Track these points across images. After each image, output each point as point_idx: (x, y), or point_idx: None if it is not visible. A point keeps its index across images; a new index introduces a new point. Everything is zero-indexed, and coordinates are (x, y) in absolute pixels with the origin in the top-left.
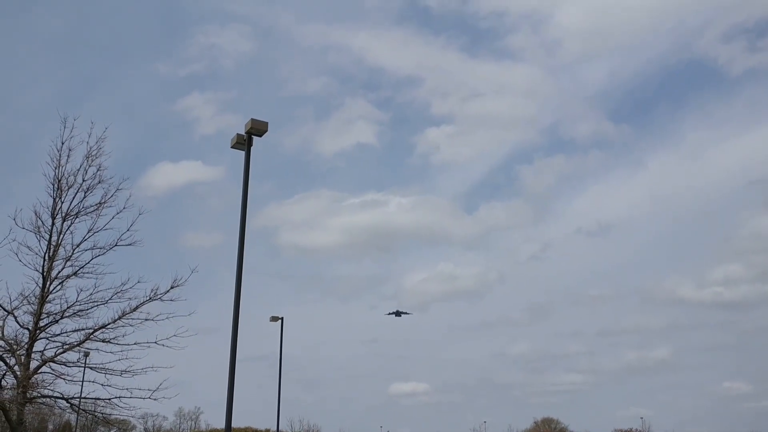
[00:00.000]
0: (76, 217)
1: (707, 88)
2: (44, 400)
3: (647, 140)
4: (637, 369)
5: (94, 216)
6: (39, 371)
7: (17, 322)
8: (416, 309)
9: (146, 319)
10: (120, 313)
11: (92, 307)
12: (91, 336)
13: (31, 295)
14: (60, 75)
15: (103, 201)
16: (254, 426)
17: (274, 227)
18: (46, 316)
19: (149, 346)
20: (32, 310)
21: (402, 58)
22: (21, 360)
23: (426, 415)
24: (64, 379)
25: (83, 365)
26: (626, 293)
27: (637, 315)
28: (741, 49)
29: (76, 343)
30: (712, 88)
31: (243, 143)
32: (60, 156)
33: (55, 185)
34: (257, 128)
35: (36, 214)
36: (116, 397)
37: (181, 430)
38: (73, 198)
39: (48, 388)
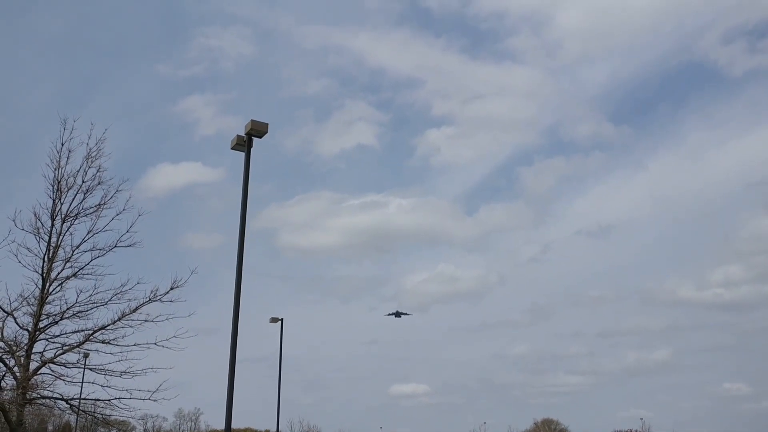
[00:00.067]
0: (76, 218)
1: (707, 90)
2: (44, 401)
3: (647, 141)
4: (637, 370)
5: (94, 217)
6: (39, 372)
7: (17, 324)
8: (416, 310)
9: (146, 320)
10: (120, 314)
11: (92, 309)
12: (91, 337)
13: (30, 296)
14: (60, 76)
15: (102, 202)
16: (254, 427)
17: (274, 228)
18: (45, 317)
19: (149, 347)
20: (32, 312)
21: (402, 60)
22: (21, 361)
23: (426, 416)
24: (63, 380)
25: (83, 366)
26: (626, 294)
27: (637, 316)
28: (741, 50)
29: (75, 345)
30: (712, 89)
31: (243, 144)
32: (60, 157)
33: (55, 186)
34: (257, 129)
35: (35, 215)
36: (116, 398)
37: (180, 430)
38: (73, 199)
39: (48, 389)
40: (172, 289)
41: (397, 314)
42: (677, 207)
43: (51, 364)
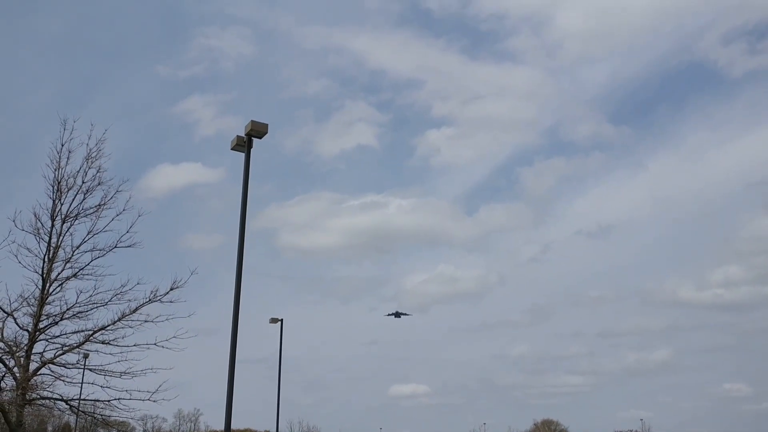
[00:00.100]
0: (76, 218)
1: (707, 90)
2: (44, 401)
3: (647, 142)
4: (637, 370)
5: (94, 218)
6: (38, 373)
7: (17, 324)
8: (416, 310)
9: (146, 321)
10: (120, 314)
11: (92, 309)
12: (91, 338)
13: (30, 296)
14: (60, 76)
15: (102, 203)
16: (254, 428)
17: (274, 229)
18: (45, 317)
19: (149, 348)
20: (32, 312)
21: (402, 61)
22: (20, 362)
23: (426, 416)
24: (63, 380)
25: (83, 367)
26: (626, 295)
27: (637, 316)
28: (741, 51)
29: (75, 345)
30: (712, 90)
31: (243, 145)
32: (60, 158)
33: (55, 187)
34: (257, 130)
35: (35, 215)
36: (116, 399)
37: (180, 431)
38: (73, 200)
39: (47, 389)
40: (172, 289)
41: (397, 314)
42: (677, 207)
43: (51, 365)
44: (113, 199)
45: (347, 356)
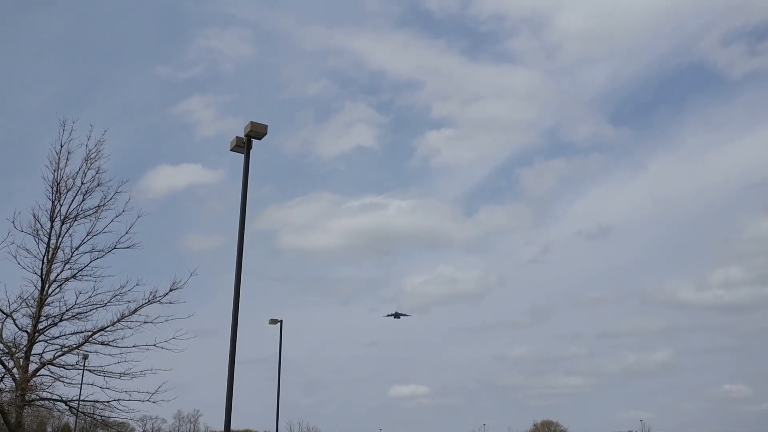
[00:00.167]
0: (75, 219)
1: (707, 92)
2: (43, 402)
3: (647, 143)
4: (637, 371)
5: (93, 219)
6: (38, 374)
7: (16, 325)
8: (416, 312)
9: (145, 322)
10: (119, 315)
11: (91, 310)
12: (90, 339)
13: (29, 297)
14: (60, 77)
15: (102, 204)
16: (253, 428)
17: (274, 230)
18: (44, 318)
19: (148, 349)
20: (31, 313)
21: (402, 62)
22: (20, 362)
23: (426, 417)
24: (62, 381)
25: (82, 368)
26: (626, 295)
27: (637, 317)
28: (740, 52)
29: (74, 346)
30: (711, 91)
31: (242, 146)
32: (59, 159)
33: (54, 188)
34: (256, 131)
35: (35, 216)
36: (115, 400)
37: None
38: (72, 201)
39: (47, 390)
40: (171, 290)
41: (397, 315)
42: (677, 208)
43: (50, 366)
44: (113, 200)
45: (347, 357)
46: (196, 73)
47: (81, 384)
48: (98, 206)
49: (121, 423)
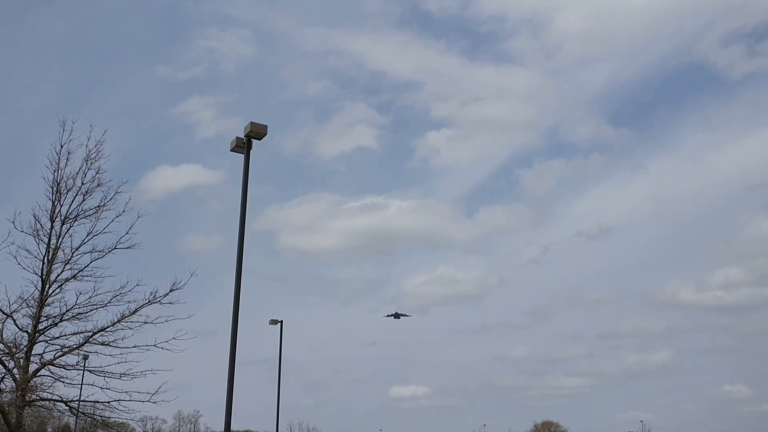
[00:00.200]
0: (75, 220)
1: (707, 92)
2: (43, 403)
3: (647, 144)
4: (637, 372)
5: (93, 219)
6: (38, 374)
7: (16, 325)
8: (416, 312)
9: (145, 322)
10: (119, 316)
11: (91, 310)
12: (90, 339)
13: (30, 298)
14: (60, 77)
15: (102, 204)
16: (254, 429)
17: (274, 230)
18: (45, 319)
19: (148, 349)
20: (31, 313)
21: (402, 62)
22: (20, 363)
23: (426, 418)
24: (63, 382)
25: (82, 368)
26: (627, 296)
27: (637, 318)
28: (740, 53)
29: (75, 346)
30: (711, 91)
31: (242, 146)
32: (59, 159)
33: (54, 188)
34: (256, 131)
35: (35, 217)
36: (115, 400)
37: None
38: (72, 201)
39: (47, 391)
40: (171, 291)
41: (396, 315)
42: (677, 209)
43: (50, 366)
44: (113, 200)
45: (347, 358)
46: (196, 74)
47: (81, 384)
48: (98, 206)
49: (122, 423)
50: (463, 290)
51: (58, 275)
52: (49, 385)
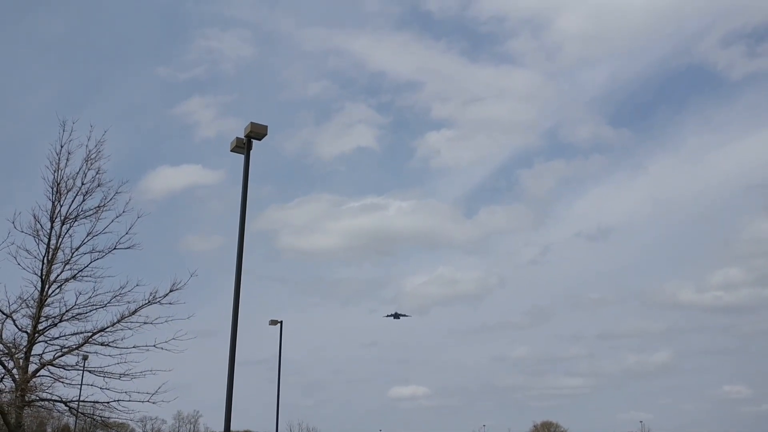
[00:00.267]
0: (75, 220)
1: (707, 93)
2: (43, 403)
3: (647, 144)
4: (637, 372)
5: (93, 219)
6: (37, 374)
7: (16, 326)
8: (416, 312)
9: (145, 323)
10: (119, 316)
11: (91, 311)
12: (90, 339)
13: (29, 298)
14: (60, 78)
15: (102, 204)
16: (253, 429)
17: (274, 230)
18: (44, 319)
19: (148, 350)
20: (31, 314)
21: (402, 63)
22: (19, 363)
23: (426, 418)
24: (62, 382)
25: (82, 368)
26: (626, 296)
27: (637, 318)
28: (740, 54)
29: (74, 347)
30: (711, 92)
31: (242, 147)
32: (59, 159)
33: (54, 188)
34: (256, 132)
35: (35, 217)
36: (115, 401)
37: None
38: (72, 201)
39: (46, 391)
40: (171, 291)
41: (396, 316)
42: (677, 209)
43: (50, 366)
44: (113, 200)
45: (347, 358)
46: (197, 74)
47: (81, 384)
48: (98, 207)
49: (121, 424)
50: (463, 290)
51: (58, 275)
52: (49, 385)
